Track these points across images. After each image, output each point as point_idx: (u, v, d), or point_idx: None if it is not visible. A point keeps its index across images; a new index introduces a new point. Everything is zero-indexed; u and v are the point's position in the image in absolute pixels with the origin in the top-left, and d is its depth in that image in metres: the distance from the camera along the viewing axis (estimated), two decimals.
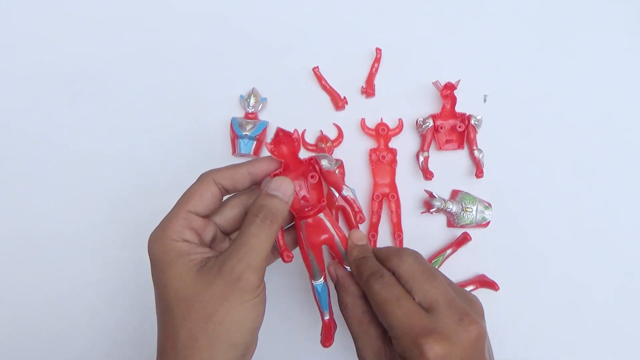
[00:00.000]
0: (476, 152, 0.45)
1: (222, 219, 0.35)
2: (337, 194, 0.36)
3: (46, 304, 0.46)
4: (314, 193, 0.36)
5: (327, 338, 0.36)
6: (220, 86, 0.48)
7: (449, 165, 0.46)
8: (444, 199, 0.44)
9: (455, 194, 0.46)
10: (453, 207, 0.44)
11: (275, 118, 0.47)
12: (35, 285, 0.46)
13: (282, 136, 0.34)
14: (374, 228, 0.45)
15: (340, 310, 0.35)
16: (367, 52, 0.48)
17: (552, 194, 0.46)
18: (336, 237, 0.35)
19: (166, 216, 0.33)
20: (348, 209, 0.38)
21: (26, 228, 0.46)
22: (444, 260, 0.45)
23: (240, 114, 0.47)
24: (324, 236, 0.35)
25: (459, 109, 0.46)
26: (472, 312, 0.31)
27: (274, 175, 0.34)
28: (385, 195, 0.45)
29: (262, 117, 0.47)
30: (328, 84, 0.47)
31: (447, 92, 0.45)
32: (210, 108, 0.47)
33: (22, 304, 0.46)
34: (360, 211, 0.36)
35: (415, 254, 0.34)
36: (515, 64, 0.48)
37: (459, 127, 0.45)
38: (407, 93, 0.47)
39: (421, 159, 0.45)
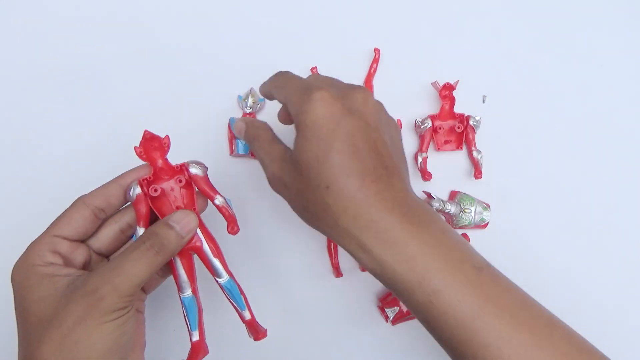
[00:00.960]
0: (475, 153, 0.45)
1: (98, 242, 0.34)
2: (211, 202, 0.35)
3: None
4: (187, 200, 0.34)
5: None
6: (217, 86, 0.48)
7: (448, 166, 0.46)
8: (442, 200, 0.44)
9: (453, 195, 0.46)
10: (452, 208, 0.44)
11: (274, 119, 0.47)
12: None
13: (149, 139, 0.33)
14: None
15: (253, 144, 0.36)
16: (365, 52, 0.48)
17: (551, 195, 0.46)
18: (205, 245, 0.34)
19: (31, 243, 0.32)
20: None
21: (22, 227, 0.46)
22: None
23: (238, 114, 0.47)
24: (193, 243, 0.34)
25: (457, 109, 0.46)
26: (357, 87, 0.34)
27: (145, 180, 0.33)
28: None
29: (260, 117, 0.47)
30: None
31: (446, 92, 0.45)
32: (208, 108, 0.47)
33: None
34: (235, 222, 0.35)
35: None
36: (514, 64, 0.48)
37: (458, 127, 0.45)
38: (405, 93, 0.47)
39: (420, 159, 0.45)
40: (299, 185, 0.31)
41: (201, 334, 0.34)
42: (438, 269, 0.29)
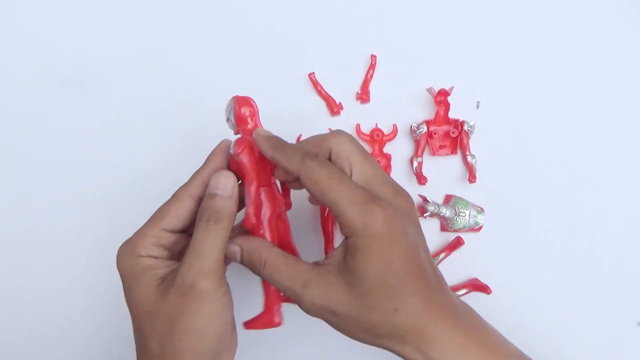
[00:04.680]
0: (469, 158, 0.46)
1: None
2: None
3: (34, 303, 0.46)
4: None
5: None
6: (216, 92, 0.48)
7: (443, 171, 0.47)
8: (437, 204, 0.44)
9: (448, 199, 0.46)
10: (446, 212, 0.44)
11: (271, 124, 0.47)
12: (25, 284, 0.46)
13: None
14: None
15: (262, 273, 0.32)
16: (362, 58, 0.48)
17: (545, 199, 0.47)
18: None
19: (137, 231, 0.32)
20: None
21: (21, 228, 0.47)
22: (438, 264, 0.45)
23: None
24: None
25: (452, 115, 0.46)
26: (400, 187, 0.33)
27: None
28: None
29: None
30: (324, 90, 0.48)
31: (441, 98, 0.46)
32: (207, 113, 0.48)
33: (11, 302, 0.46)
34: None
35: (349, 135, 0.33)
36: (508, 71, 0.49)
37: (453, 132, 0.46)
38: (401, 99, 0.48)
39: (415, 164, 0.46)
40: (358, 310, 0.30)
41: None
42: None
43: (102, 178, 0.47)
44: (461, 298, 0.44)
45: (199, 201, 0.33)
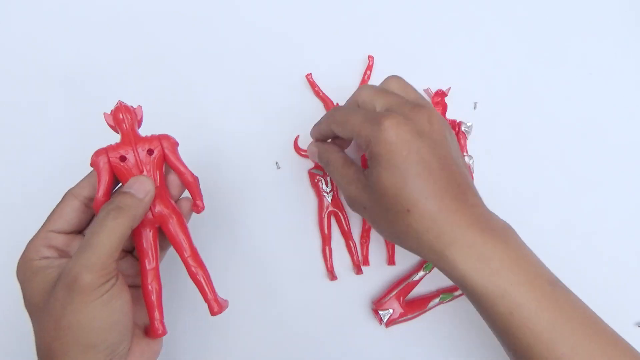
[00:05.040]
0: (466, 158, 0.46)
1: None
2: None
3: None
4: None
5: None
6: (215, 92, 0.48)
7: None
8: None
9: None
10: None
11: (269, 124, 0.47)
12: None
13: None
14: (367, 233, 0.45)
15: (327, 169, 0.38)
16: (359, 59, 0.48)
17: (542, 200, 0.47)
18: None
19: (29, 240, 0.33)
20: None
21: (21, 228, 0.46)
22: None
23: (233, 116, 0.47)
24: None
25: (449, 115, 0.47)
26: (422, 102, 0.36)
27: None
28: None
29: (255, 123, 0.47)
30: (321, 91, 0.48)
31: (438, 99, 0.46)
32: (206, 113, 0.48)
33: None
34: (201, 198, 0.35)
35: (369, 85, 0.38)
36: (505, 72, 0.49)
37: None
38: None
39: None
40: (379, 208, 0.33)
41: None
42: (519, 283, 0.31)
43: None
44: (459, 299, 0.44)
45: (85, 202, 0.34)
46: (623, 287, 0.46)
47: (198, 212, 0.35)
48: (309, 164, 0.47)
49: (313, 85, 0.48)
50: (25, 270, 0.32)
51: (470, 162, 0.46)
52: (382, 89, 0.36)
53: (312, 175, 0.46)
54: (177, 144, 0.35)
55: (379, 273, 0.46)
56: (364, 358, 0.45)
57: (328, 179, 0.45)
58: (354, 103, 0.37)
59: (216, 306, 0.34)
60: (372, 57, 0.48)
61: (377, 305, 0.44)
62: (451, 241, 0.31)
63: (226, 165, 0.47)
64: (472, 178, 0.45)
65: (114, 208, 0.31)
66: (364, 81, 0.48)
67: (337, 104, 0.47)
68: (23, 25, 0.49)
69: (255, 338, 0.44)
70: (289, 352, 0.45)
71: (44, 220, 0.34)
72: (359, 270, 0.44)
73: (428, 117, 0.33)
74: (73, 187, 0.34)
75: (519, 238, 0.34)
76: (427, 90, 0.46)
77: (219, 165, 0.47)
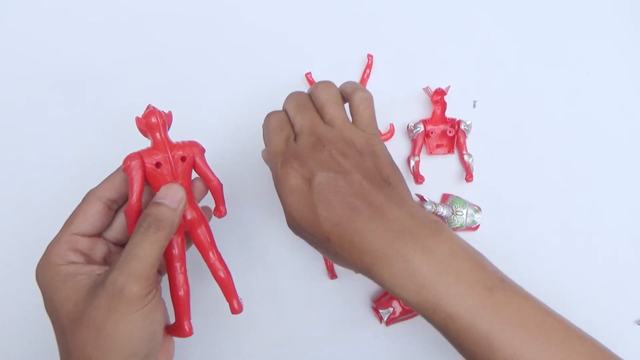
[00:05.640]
0: (466, 157, 0.46)
1: (114, 231, 0.35)
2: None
3: None
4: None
5: None
6: (214, 92, 0.48)
7: (440, 170, 0.47)
8: (435, 203, 0.44)
9: (445, 198, 0.46)
10: (444, 211, 0.45)
11: None
12: None
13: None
14: None
15: None
16: (359, 58, 0.48)
17: (541, 198, 0.47)
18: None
19: (50, 242, 0.32)
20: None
21: (20, 229, 0.46)
22: None
23: (231, 116, 0.47)
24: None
25: (449, 114, 0.47)
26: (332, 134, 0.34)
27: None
28: None
29: (255, 122, 0.47)
30: None
31: (438, 97, 0.46)
32: (205, 114, 0.48)
33: None
34: (224, 204, 0.36)
35: (331, 88, 0.37)
36: (505, 70, 0.49)
37: (449, 132, 0.46)
38: (398, 98, 0.48)
39: (412, 163, 0.46)
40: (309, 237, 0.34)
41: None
42: (449, 295, 0.30)
43: (101, 179, 0.47)
44: None
45: (108, 203, 0.33)
46: (622, 285, 0.46)
47: (220, 217, 0.36)
48: None
49: (312, 84, 0.48)
50: (50, 275, 0.31)
51: (470, 161, 0.46)
52: (304, 104, 0.36)
53: None
54: (204, 150, 0.36)
55: None
56: (364, 356, 0.45)
57: None
58: (284, 111, 0.37)
59: (238, 306, 0.35)
60: (372, 56, 0.48)
61: (377, 303, 0.44)
62: (373, 262, 0.31)
63: (226, 164, 0.47)
64: (472, 177, 0.45)
65: (153, 222, 0.31)
66: (363, 80, 0.48)
67: None
68: (23, 25, 0.49)
69: (255, 336, 0.44)
70: (289, 351, 0.45)
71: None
72: None
73: (333, 148, 0.33)
74: (95, 188, 0.34)
75: (453, 239, 0.32)
76: (426, 89, 0.46)
77: (219, 165, 0.46)
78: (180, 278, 0.34)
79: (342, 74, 0.48)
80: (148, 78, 0.48)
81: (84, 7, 0.50)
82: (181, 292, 0.34)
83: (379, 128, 0.47)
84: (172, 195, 0.32)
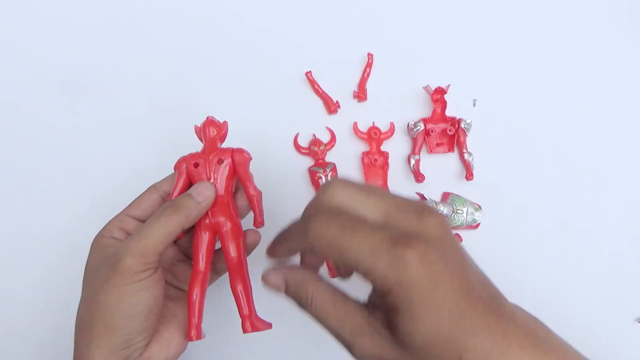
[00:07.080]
0: (466, 155, 0.46)
1: None
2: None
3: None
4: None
5: None
6: (214, 91, 0.48)
7: (440, 168, 0.47)
8: (435, 201, 0.45)
9: (446, 196, 0.46)
10: (444, 209, 0.45)
11: (269, 122, 0.48)
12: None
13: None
14: None
15: (308, 311, 0.29)
16: (359, 57, 0.49)
17: (541, 196, 0.47)
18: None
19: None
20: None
21: (19, 230, 0.47)
22: None
23: (233, 113, 0.47)
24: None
25: (449, 112, 0.47)
26: (425, 205, 0.27)
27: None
28: None
29: (255, 121, 0.48)
30: (321, 89, 0.48)
31: (438, 96, 0.46)
32: (205, 114, 0.48)
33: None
34: (261, 215, 0.36)
35: (337, 179, 0.28)
36: (504, 69, 0.49)
37: (449, 130, 0.46)
38: (398, 97, 0.48)
39: (412, 162, 0.46)
40: None
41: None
42: None
43: (100, 179, 0.47)
44: None
45: (164, 195, 0.36)
46: (622, 283, 0.46)
47: (256, 227, 0.37)
48: (308, 161, 0.47)
49: (313, 83, 0.48)
50: (95, 245, 0.34)
51: (470, 159, 0.46)
52: (360, 185, 0.28)
53: (312, 172, 0.46)
54: (249, 159, 0.37)
55: None
56: None
57: (329, 176, 0.45)
58: (324, 206, 0.27)
59: (249, 325, 0.34)
60: (372, 55, 0.48)
61: None
62: None
63: None
64: (472, 175, 0.45)
65: (171, 205, 0.33)
66: (363, 79, 0.48)
67: (337, 101, 0.47)
68: (23, 25, 0.50)
69: (255, 336, 0.44)
70: (289, 351, 0.45)
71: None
72: None
73: (438, 225, 0.26)
74: (157, 182, 0.37)
75: (542, 329, 0.29)
76: (426, 88, 0.46)
77: None
78: (197, 278, 0.34)
79: (343, 73, 0.48)
80: (148, 78, 0.48)
81: (84, 7, 0.50)
82: (194, 294, 0.34)
83: (379, 127, 0.47)
84: (200, 190, 0.34)
